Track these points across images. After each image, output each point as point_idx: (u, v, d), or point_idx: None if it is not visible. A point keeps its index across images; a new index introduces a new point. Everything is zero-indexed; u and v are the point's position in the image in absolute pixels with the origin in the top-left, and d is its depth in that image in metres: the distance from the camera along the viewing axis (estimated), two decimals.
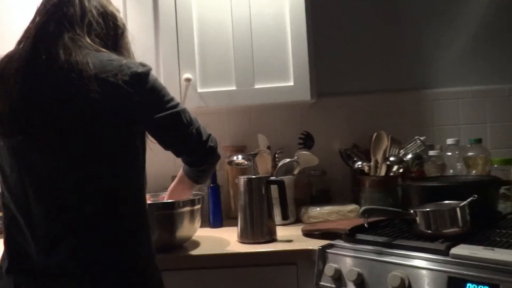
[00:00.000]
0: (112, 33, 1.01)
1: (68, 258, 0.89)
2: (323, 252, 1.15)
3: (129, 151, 0.96)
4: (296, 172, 1.58)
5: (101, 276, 0.90)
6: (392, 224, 1.25)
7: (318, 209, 1.55)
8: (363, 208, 1.11)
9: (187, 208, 1.25)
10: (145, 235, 0.98)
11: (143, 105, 0.95)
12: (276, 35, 1.52)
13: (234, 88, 1.53)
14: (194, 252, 1.22)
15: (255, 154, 1.39)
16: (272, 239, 1.30)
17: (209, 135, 1.07)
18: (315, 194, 1.73)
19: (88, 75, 0.89)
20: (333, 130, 1.80)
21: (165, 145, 1.04)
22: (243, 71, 1.52)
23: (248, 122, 1.83)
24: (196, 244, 1.31)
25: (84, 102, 0.89)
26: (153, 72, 1.00)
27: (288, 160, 1.55)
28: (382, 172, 1.52)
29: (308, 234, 1.33)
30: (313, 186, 1.73)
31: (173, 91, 1.52)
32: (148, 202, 1.30)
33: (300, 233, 1.36)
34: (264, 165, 1.58)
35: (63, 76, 0.90)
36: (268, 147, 1.64)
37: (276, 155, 1.62)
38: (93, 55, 0.92)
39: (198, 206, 1.29)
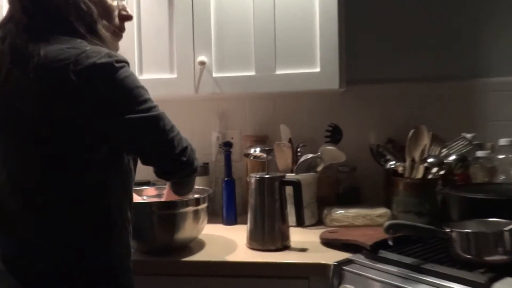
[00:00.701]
0: (88, 18, 0.87)
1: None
2: (339, 269, 0.99)
3: (86, 153, 0.84)
4: (319, 169, 1.41)
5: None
6: (425, 238, 1.07)
7: (342, 211, 1.39)
8: (387, 223, 0.94)
9: (190, 208, 1.12)
10: (112, 244, 0.87)
11: (101, 105, 0.81)
12: (303, 14, 1.34)
13: (253, 73, 1.37)
14: (194, 257, 1.10)
15: (270, 150, 1.23)
16: (284, 246, 1.15)
17: (185, 148, 0.91)
18: (342, 192, 1.55)
19: (32, 66, 0.77)
20: (365, 122, 1.60)
21: (131, 150, 0.92)
22: (263, 55, 1.36)
23: (271, 110, 1.67)
24: (199, 246, 1.19)
25: (23, 100, 0.79)
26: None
27: (310, 155, 1.39)
28: (419, 174, 1.33)
29: (326, 243, 1.17)
30: (341, 183, 1.56)
31: (187, 75, 1.40)
32: (147, 200, 1.19)
33: (318, 239, 1.20)
34: (283, 160, 1.43)
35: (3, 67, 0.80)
36: (290, 140, 1.48)
37: (298, 149, 1.46)
38: (54, 42, 0.81)
39: (203, 206, 1.17)
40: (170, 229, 1.10)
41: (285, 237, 1.16)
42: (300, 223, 1.16)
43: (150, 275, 1.10)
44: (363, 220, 1.37)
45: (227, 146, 1.47)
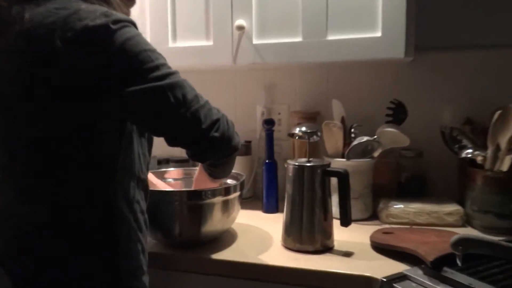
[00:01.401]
0: None
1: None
2: (388, 287, 0.79)
3: (84, 137, 0.70)
4: (376, 154, 1.19)
5: None
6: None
7: (401, 206, 1.16)
8: (456, 238, 0.72)
9: (218, 199, 0.97)
10: (123, 244, 0.74)
11: (99, 79, 0.66)
12: None
13: (299, 39, 1.16)
14: (219, 255, 0.95)
15: (313, 132, 1.03)
16: (324, 247, 0.97)
17: (216, 120, 0.75)
18: (404, 182, 1.32)
19: (14, 34, 0.63)
20: (437, 99, 1.33)
21: (149, 130, 0.77)
22: (312, 17, 1.14)
23: (324, 82, 1.45)
24: (229, 240, 1.04)
25: (4, 75, 0.66)
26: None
27: (366, 138, 1.17)
28: (504, 166, 1.06)
29: (377, 247, 0.97)
30: (404, 170, 1.32)
31: (223, 42, 1.22)
32: (168, 189, 1.06)
33: (368, 240, 1.00)
34: (333, 142, 1.22)
35: None
36: (343, 119, 1.26)
37: (352, 130, 1.24)
38: (43, 3, 0.66)
39: (234, 195, 1.01)
40: (194, 221, 0.96)
41: (327, 236, 0.98)
42: (345, 223, 0.96)
43: (170, 270, 0.98)
44: (428, 218, 1.14)
45: (269, 123, 1.29)
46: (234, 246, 1.01)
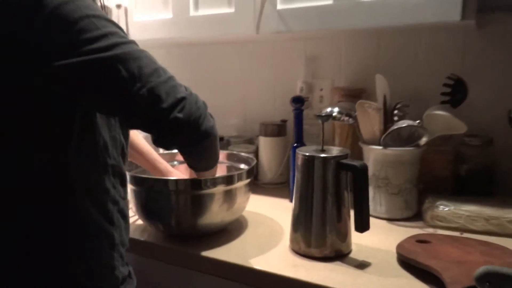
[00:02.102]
0: None
1: None
2: None
3: (17, 124, 0.61)
4: (422, 142, 0.97)
5: None
6: None
7: (451, 207, 0.94)
8: (481, 270, 0.52)
9: (219, 188, 0.86)
10: (78, 243, 0.66)
11: (29, 54, 0.56)
12: None
13: (329, 2, 0.97)
14: (215, 251, 0.84)
15: (328, 117, 0.85)
16: (337, 253, 0.81)
17: (180, 99, 0.62)
18: (465, 175, 1.08)
19: None
20: (507, 74, 1.04)
21: (100, 111, 0.66)
22: None
23: (374, 52, 1.23)
24: (234, 234, 0.93)
25: None
26: None
27: (406, 123, 0.95)
28: None
29: (404, 261, 0.78)
30: (465, 162, 1.08)
31: (246, 8, 1.07)
32: (163, 177, 0.96)
33: (394, 247, 0.82)
34: (368, 126, 1.02)
35: None
36: (385, 98, 1.04)
37: (396, 112, 1.02)
38: None
39: (240, 184, 0.89)
40: (191, 213, 0.86)
41: (340, 240, 0.81)
42: (359, 227, 0.79)
43: (163, 262, 0.90)
44: (485, 224, 0.91)
45: (297, 102, 1.12)
46: (235, 242, 0.89)
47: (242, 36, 1.20)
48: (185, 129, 0.64)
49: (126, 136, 0.75)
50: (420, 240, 0.83)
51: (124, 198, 0.75)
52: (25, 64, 0.57)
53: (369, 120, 1.00)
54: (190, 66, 1.55)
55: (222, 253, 0.84)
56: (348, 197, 0.83)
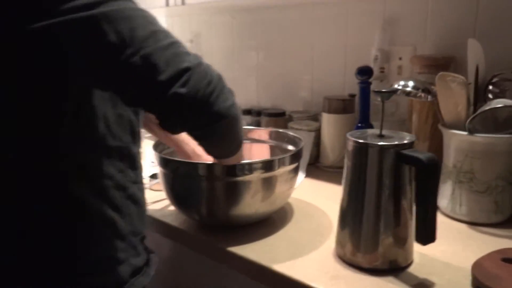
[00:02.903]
0: None
1: None
2: None
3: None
4: None
5: None
6: None
7: None
8: None
9: (254, 176, 0.73)
10: (78, 234, 0.58)
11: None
12: None
13: None
14: (243, 248, 0.72)
15: (390, 93, 0.66)
16: (391, 265, 0.64)
17: (184, 69, 0.50)
18: None
19: None
20: None
21: (89, 84, 0.56)
22: None
23: (471, 11, 0.98)
24: (274, 227, 0.80)
25: None
26: None
27: (504, 102, 0.72)
28: None
29: (479, 285, 0.60)
30: None
31: None
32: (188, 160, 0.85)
33: (471, 263, 0.63)
34: (451, 105, 0.80)
35: None
36: (477, 69, 0.81)
37: (491, 87, 0.79)
38: None
39: (282, 170, 0.76)
40: (221, 202, 0.75)
41: (397, 247, 0.65)
42: (422, 238, 0.61)
43: (193, 250, 0.82)
44: None
45: (364, 73, 0.94)
46: (271, 238, 0.76)
47: None
48: (191, 108, 0.52)
49: (137, 111, 0.65)
50: (508, 259, 0.63)
51: (137, 182, 0.67)
52: (4, 29, 0.49)
53: (453, 97, 0.79)
54: (255, 33, 1.42)
55: (253, 250, 0.72)
56: (412, 195, 0.65)
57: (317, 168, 1.14)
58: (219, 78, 0.55)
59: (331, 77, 1.26)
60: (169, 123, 0.56)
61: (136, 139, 0.66)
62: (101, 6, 0.48)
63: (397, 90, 0.64)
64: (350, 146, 0.67)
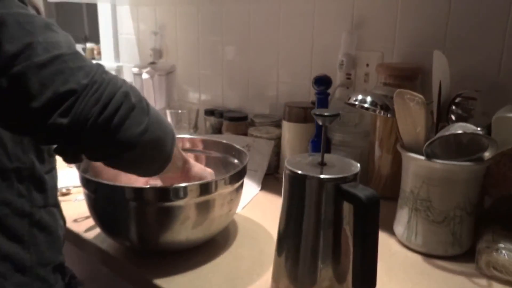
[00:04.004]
0: None
1: None
2: None
3: None
4: (487, 156, 0.67)
5: None
6: None
7: None
8: None
9: (188, 200, 0.65)
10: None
11: None
12: None
13: None
14: (161, 280, 0.65)
15: (333, 117, 0.57)
16: None
17: (67, 92, 0.41)
18: None
19: None
20: None
21: None
22: None
23: (442, 17, 0.91)
24: (216, 249, 0.73)
25: None
26: None
27: (464, 128, 0.65)
28: None
29: None
30: None
31: None
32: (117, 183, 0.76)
33: None
34: (410, 126, 0.73)
35: None
36: (440, 85, 0.74)
37: (454, 107, 0.72)
38: None
39: (221, 191, 0.68)
40: (152, 227, 0.67)
41: (339, 282, 0.58)
42: (358, 284, 0.54)
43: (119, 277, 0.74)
44: None
45: (320, 84, 0.86)
46: (206, 268, 0.69)
47: None
48: (82, 140, 0.44)
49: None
50: None
51: (47, 205, 0.58)
52: None
53: (411, 117, 0.71)
54: (220, 26, 1.33)
55: (178, 284, 0.65)
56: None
57: (276, 180, 1.06)
58: (125, 97, 0.46)
59: (297, 79, 1.18)
60: (65, 156, 0.47)
61: (43, 158, 0.58)
62: None
63: (338, 114, 0.56)
64: (286, 174, 0.59)
